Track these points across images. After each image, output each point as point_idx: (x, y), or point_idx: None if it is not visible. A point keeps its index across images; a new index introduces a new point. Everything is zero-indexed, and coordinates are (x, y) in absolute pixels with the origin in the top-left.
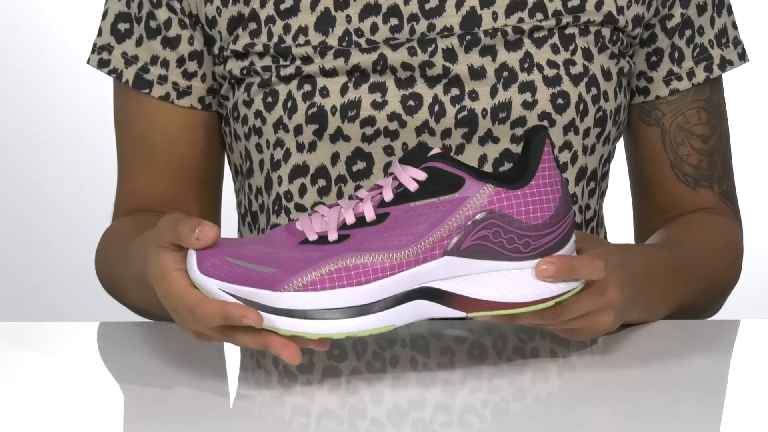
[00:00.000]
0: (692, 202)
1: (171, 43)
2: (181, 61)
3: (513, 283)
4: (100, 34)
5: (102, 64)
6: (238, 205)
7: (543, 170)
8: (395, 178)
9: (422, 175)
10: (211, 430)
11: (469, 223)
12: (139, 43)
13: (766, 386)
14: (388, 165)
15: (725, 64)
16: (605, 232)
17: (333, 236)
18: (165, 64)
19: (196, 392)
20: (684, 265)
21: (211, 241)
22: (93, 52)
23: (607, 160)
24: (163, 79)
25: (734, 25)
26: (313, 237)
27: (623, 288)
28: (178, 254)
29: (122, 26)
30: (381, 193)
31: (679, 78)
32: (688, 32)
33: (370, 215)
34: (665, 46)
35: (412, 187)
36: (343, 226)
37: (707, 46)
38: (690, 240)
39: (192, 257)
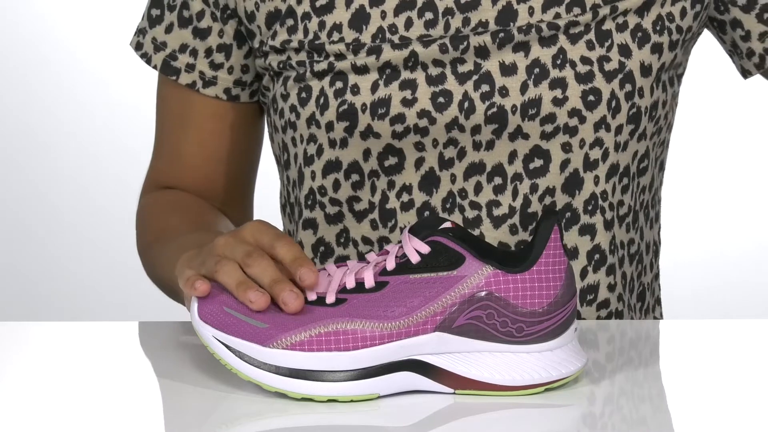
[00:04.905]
0: None
1: (201, 33)
2: (209, 52)
3: (504, 365)
4: (143, 17)
5: (138, 47)
6: (280, 194)
7: (547, 257)
8: (401, 248)
9: (426, 249)
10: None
11: (464, 301)
12: (168, 30)
13: None
14: (420, 160)
15: None
16: (659, 227)
17: (330, 299)
18: (194, 53)
19: (230, 389)
20: None
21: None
22: (135, 34)
23: (645, 155)
24: (190, 68)
25: None
26: (312, 297)
27: None
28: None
29: (154, 12)
30: (386, 260)
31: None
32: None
33: (369, 282)
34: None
35: (414, 259)
36: (342, 290)
37: None
38: None
39: (194, 303)
